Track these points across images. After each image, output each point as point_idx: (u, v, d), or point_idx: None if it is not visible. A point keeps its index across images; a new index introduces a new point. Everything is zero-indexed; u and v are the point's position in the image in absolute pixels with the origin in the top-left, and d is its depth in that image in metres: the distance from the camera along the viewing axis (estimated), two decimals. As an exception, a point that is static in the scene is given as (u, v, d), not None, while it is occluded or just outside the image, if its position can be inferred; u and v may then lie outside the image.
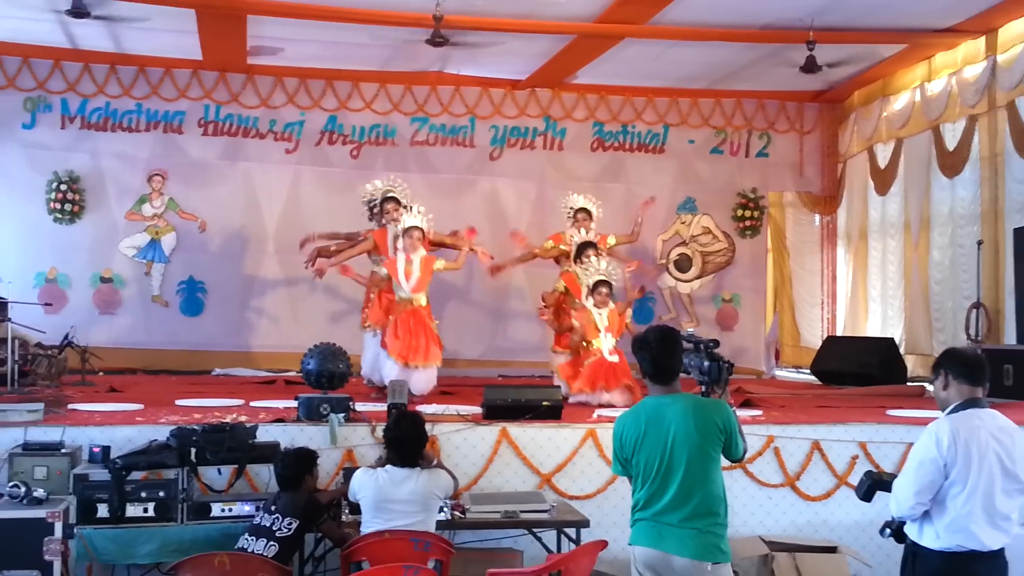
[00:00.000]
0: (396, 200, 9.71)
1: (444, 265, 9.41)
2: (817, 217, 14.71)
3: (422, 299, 9.12)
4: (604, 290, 9.44)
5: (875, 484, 4.59)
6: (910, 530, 4.42)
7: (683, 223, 13.97)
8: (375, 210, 9.94)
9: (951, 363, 4.41)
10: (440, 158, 13.35)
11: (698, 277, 13.99)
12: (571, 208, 10.45)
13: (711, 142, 13.95)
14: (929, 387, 10.57)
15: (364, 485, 5.64)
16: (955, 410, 4.36)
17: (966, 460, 4.25)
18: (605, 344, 9.29)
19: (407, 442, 5.77)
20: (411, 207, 9.62)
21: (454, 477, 5.98)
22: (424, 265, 9.14)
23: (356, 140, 13.24)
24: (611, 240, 10.45)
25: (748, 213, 14.01)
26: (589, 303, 9.46)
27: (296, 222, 12.98)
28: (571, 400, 8.86)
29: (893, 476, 4.54)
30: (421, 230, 9.15)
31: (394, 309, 9.14)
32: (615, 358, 9.25)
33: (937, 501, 4.30)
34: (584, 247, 9.95)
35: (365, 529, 5.58)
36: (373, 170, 12.25)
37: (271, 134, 13.06)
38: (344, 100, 13.15)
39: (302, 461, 6.04)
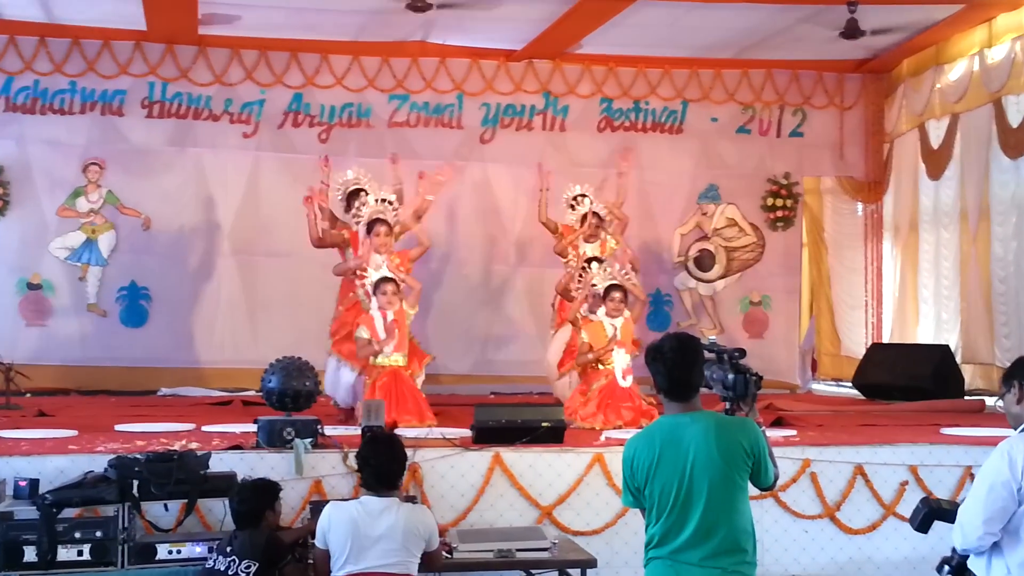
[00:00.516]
0: (363, 192, 9.88)
1: (410, 307, 9.31)
2: (860, 206, 14.72)
3: (400, 359, 9.09)
4: (617, 295, 9.45)
5: (932, 512, 4.57)
6: (976, 566, 4.40)
7: (705, 214, 13.98)
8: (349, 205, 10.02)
9: None
10: (423, 141, 13.35)
11: (722, 277, 14.00)
12: (570, 204, 10.58)
13: (737, 120, 13.97)
14: (990, 401, 10.59)
15: (336, 521, 5.62)
16: None
17: None
18: (619, 363, 9.28)
19: (384, 466, 5.75)
20: (374, 195, 9.77)
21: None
22: (399, 321, 9.13)
23: (325, 121, 13.25)
24: (611, 243, 10.50)
25: (780, 202, 14.03)
26: (600, 313, 9.46)
27: (256, 217, 13.05)
28: (575, 426, 8.86)
29: (953, 504, 4.53)
30: (394, 282, 9.11)
31: (370, 373, 9.10)
32: (628, 381, 9.25)
33: (1009, 531, 4.29)
34: (588, 262, 10.10)
35: (335, 573, 5.56)
36: (345, 156, 12.24)
37: (226, 115, 13.06)
38: (311, 75, 13.16)
39: (262, 494, 6.02)
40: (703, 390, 4.58)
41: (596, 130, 13.69)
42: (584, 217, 10.59)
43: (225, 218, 13.03)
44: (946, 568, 4.56)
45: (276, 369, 7.61)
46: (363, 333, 9.08)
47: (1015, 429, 4.41)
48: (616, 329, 9.38)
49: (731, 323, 13.91)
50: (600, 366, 9.31)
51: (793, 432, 8.49)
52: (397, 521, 5.62)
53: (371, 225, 9.41)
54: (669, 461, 4.42)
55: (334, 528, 5.62)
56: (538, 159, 13.20)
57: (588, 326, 9.48)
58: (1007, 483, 4.27)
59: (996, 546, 4.33)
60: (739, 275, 14.03)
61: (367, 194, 9.79)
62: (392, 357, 9.02)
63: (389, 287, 9.11)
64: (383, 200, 9.72)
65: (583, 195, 10.75)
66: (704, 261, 13.98)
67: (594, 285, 9.62)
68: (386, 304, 9.09)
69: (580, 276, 9.94)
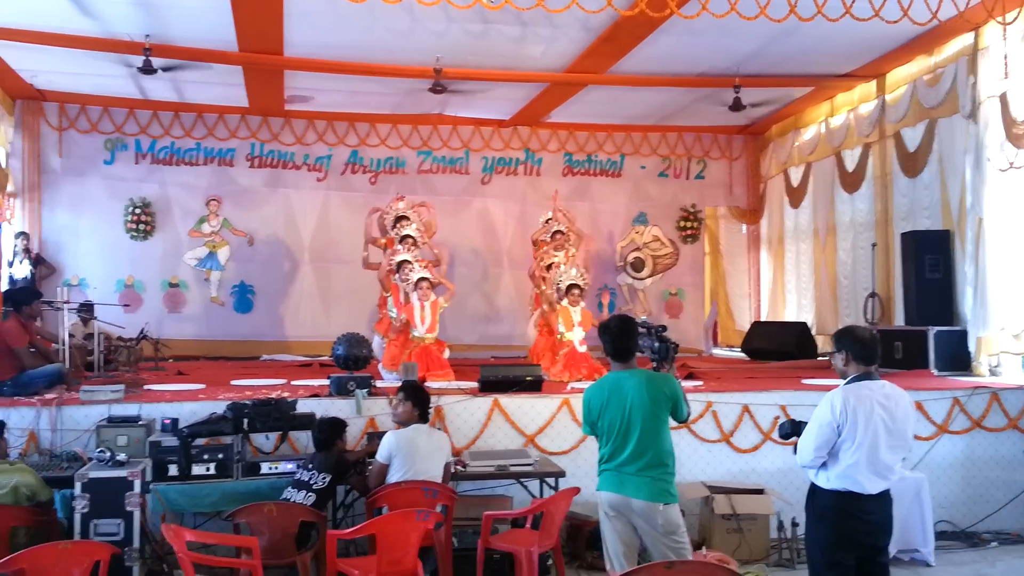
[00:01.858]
0: (406, 219, 10.00)
1: (444, 301, 9.27)
2: (744, 226, 14.73)
3: (432, 339, 9.03)
4: (576, 292, 9.48)
5: (793, 430, 4.56)
6: (810, 473, 4.42)
7: (637, 232, 13.98)
8: (392, 225, 10.10)
9: (849, 343, 4.34)
10: (441, 183, 13.33)
11: (650, 276, 14.00)
12: (546, 228, 10.56)
13: (659, 167, 13.96)
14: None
15: (401, 441, 5.62)
16: (850, 382, 4.33)
17: (854, 423, 4.23)
18: (577, 336, 9.32)
19: (420, 404, 5.82)
20: (409, 220, 9.88)
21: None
22: (434, 309, 9.11)
23: (373, 170, 13.20)
24: (571, 251, 10.49)
25: (689, 224, 14.03)
26: (565, 303, 9.48)
27: (326, 236, 13.00)
28: (548, 379, 8.87)
29: (803, 424, 4.50)
30: (428, 280, 9.10)
31: (408, 345, 9.09)
32: (584, 348, 9.29)
33: (831, 454, 4.30)
34: (552, 265, 10.05)
35: (391, 478, 5.57)
36: (387, 193, 12.26)
37: (305, 166, 13.01)
38: (363, 137, 13.11)
39: (334, 427, 6.03)
40: (638, 354, 4.61)
41: (561, 175, 13.65)
42: (554, 234, 10.59)
43: (305, 237, 12.97)
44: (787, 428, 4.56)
45: (342, 341, 7.63)
46: (401, 317, 9.09)
47: (842, 381, 4.40)
48: (576, 313, 9.41)
49: (656, 308, 13.90)
50: (565, 339, 9.33)
51: (700, 383, 8.50)
52: (431, 440, 5.68)
53: (417, 281, 9.17)
54: (615, 403, 4.45)
55: (400, 449, 5.62)
56: (521, 195, 13.29)
57: (561, 310, 9.50)
58: (830, 423, 4.25)
59: (824, 463, 4.35)
60: (661, 275, 14.02)
61: (409, 222, 9.90)
62: (426, 337, 9.02)
63: (424, 283, 9.11)
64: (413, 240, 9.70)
65: (552, 219, 10.76)
66: (637, 265, 13.97)
67: (558, 284, 9.63)
68: (422, 296, 9.10)
69: (545, 273, 9.93)
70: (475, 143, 13.40)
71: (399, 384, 6.17)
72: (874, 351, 4.34)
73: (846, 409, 4.24)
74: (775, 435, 7.30)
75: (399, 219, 10.09)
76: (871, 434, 4.23)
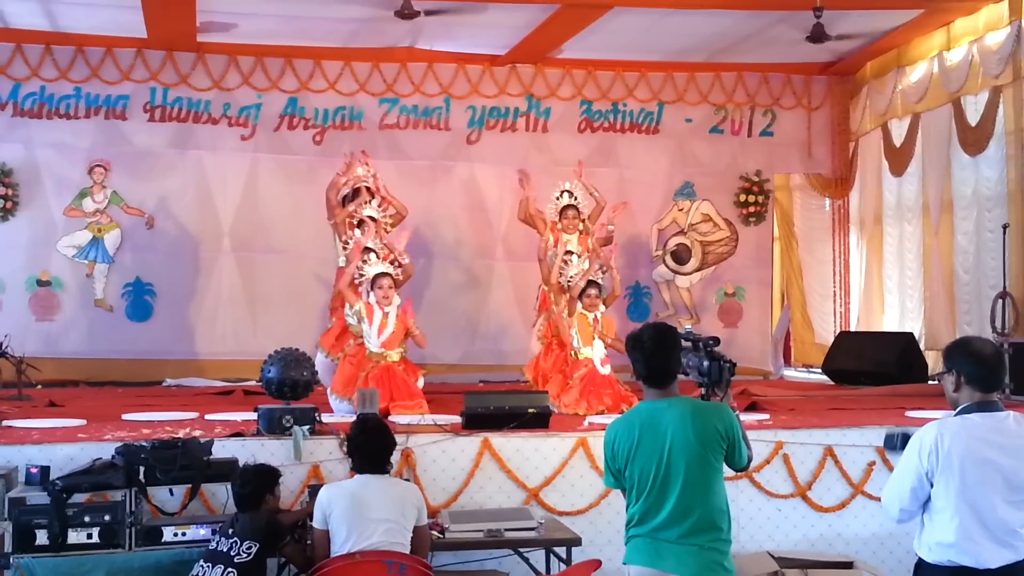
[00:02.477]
0: (368, 190, 10.15)
1: (417, 334, 9.26)
2: (828, 201, 14.75)
3: (396, 356, 9.08)
4: (593, 291, 9.48)
5: (906, 438, 4.48)
6: (914, 540, 4.41)
7: (680, 210, 13.99)
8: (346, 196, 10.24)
9: (962, 360, 4.30)
10: (412, 142, 13.35)
11: (698, 269, 14.02)
12: (558, 202, 10.52)
13: (710, 120, 13.98)
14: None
15: (336, 500, 5.64)
16: (959, 413, 4.29)
17: (948, 468, 4.18)
18: (597, 353, 9.32)
19: (375, 446, 5.79)
20: (370, 198, 10.01)
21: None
22: (400, 320, 9.13)
23: (319, 124, 13.21)
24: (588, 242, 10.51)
25: (752, 198, 14.05)
26: (579, 306, 9.48)
27: (254, 215, 13.01)
28: (558, 412, 8.87)
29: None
30: (390, 277, 9.15)
31: (364, 364, 9.11)
32: (607, 369, 9.30)
33: (928, 511, 4.28)
34: (567, 254, 10.09)
35: (337, 550, 5.57)
36: (338, 156, 12.20)
37: (224, 119, 13.02)
38: (305, 80, 13.12)
39: (262, 478, 6.02)
40: (680, 377, 4.60)
41: (577, 131, 13.68)
42: (562, 211, 10.58)
43: (225, 217, 12.98)
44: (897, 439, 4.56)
45: (275, 360, 7.60)
46: (352, 318, 9.12)
47: (953, 411, 4.33)
48: (594, 321, 9.43)
49: (707, 313, 13.93)
50: (580, 356, 9.35)
51: (766, 416, 8.51)
52: (393, 495, 5.68)
53: (376, 279, 9.24)
54: (648, 444, 4.44)
55: (335, 507, 5.63)
56: (522, 159, 13.27)
57: (578, 317, 9.51)
58: (916, 469, 4.23)
59: (921, 522, 4.31)
60: (714, 268, 14.04)
61: (370, 198, 10.07)
62: (387, 353, 9.02)
63: (385, 282, 9.12)
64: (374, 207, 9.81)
65: (567, 191, 10.72)
66: (681, 254, 13.99)
67: (570, 281, 9.64)
68: (382, 299, 9.09)
69: (562, 266, 9.95)
70: (458, 87, 13.42)
71: (353, 417, 6.13)
72: (996, 372, 4.31)
73: (937, 450, 4.20)
74: (873, 493, 7.31)
75: (357, 190, 10.20)
76: (979, 485, 4.18)
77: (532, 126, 13.65)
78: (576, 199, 10.54)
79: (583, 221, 10.57)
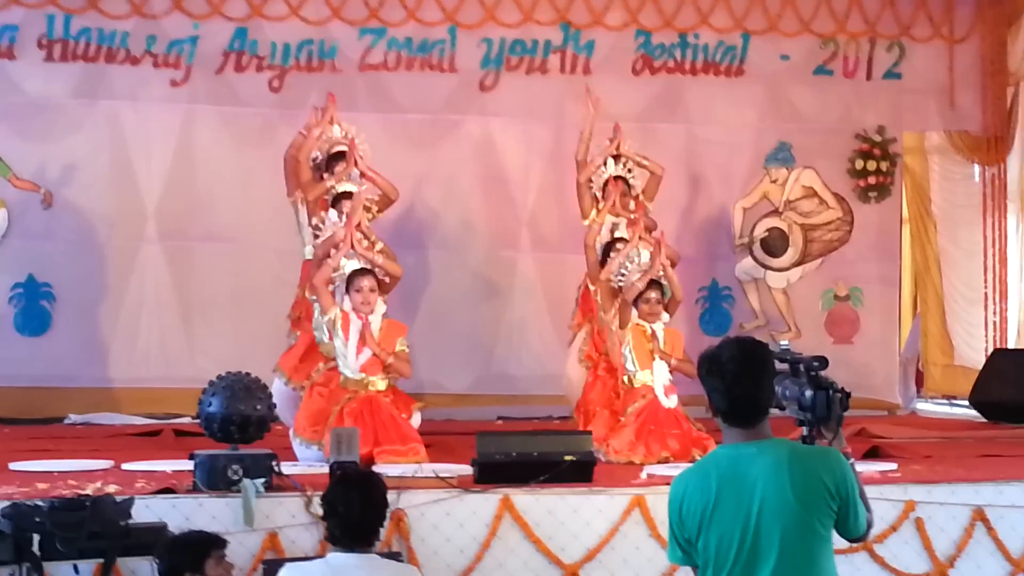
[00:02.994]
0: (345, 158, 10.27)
1: (391, 361, 9.26)
2: (978, 169, 14.67)
3: (381, 383, 9.15)
4: (653, 296, 9.49)
5: None
6: None
7: (774, 182, 13.97)
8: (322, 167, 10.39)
9: None
10: (404, 89, 13.36)
11: (799, 263, 13.99)
12: (601, 173, 10.55)
13: (815, 58, 13.96)
14: None
15: None
16: None
17: None
18: (659, 378, 9.33)
19: (357, 515, 5.77)
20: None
21: None
22: (388, 332, 9.17)
23: (277, 64, 13.22)
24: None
25: (873, 165, 14.01)
26: (633, 317, 9.48)
27: (190, 191, 13.03)
28: (605, 460, 8.90)
29: None
30: (372, 276, 9.20)
31: (338, 395, 9.15)
32: (673, 401, 9.31)
33: None
34: (613, 244, 10.15)
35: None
36: (304, 109, 12.23)
37: (149, 57, 13.03)
38: (258, 4, 13.16)
39: (198, 550, 6.01)
40: (773, 411, 4.59)
41: (631, 72, 13.68)
42: (606, 184, 10.57)
43: (149, 192, 12.99)
44: None
45: (218, 389, 7.63)
46: (322, 333, 9.15)
47: None
48: (653, 336, 9.44)
49: (810, 324, 13.91)
50: (634, 383, 9.35)
51: (893, 466, 8.50)
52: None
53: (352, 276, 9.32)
54: (729, 504, 4.43)
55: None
56: (555, 111, 13.27)
57: (629, 332, 9.52)
58: None
59: None
60: (820, 261, 14.02)
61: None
62: (366, 379, 9.04)
63: (367, 281, 9.14)
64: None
65: (615, 156, 10.71)
66: (774, 243, 13.97)
67: (619, 281, 9.65)
68: (361, 305, 9.11)
69: (626, 263, 9.95)
70: (468, 14, 13.42)
71: (326, 467, 6.10)
72: None
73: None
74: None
75: (333, 156, 10.30)
76: None
77: (570, 66, 13.64)
78: (629, 168, 10.54)
79: (635, 199, 10.58)
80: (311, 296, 9.71)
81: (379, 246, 9.66)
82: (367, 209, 9.90)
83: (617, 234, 10.24)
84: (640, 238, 10.04)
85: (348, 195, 9.96)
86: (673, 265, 9.99)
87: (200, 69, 13.13)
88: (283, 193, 10.66)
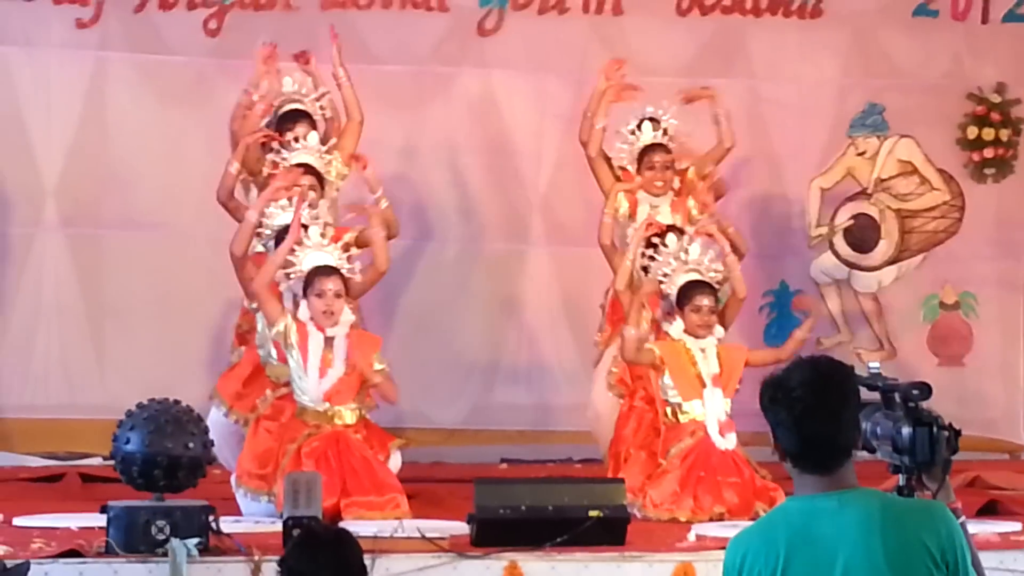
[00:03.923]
0: (305, 117, 10.49)
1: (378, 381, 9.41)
2: None
3: (351, 415, 9.22)
4: (705, 302, 9.53)
5: None
6: None
7: (861, 154, 14.00)
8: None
9: None
10: (381, 33, 13.42)
11: (893, 261, 14.02)
12: (630, 143, 10.61)
13: (914, -5, 14.02)
14: None
15: None
16: None
17: None
18: (712, 410, 9.37)
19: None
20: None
21: None
22: (359, 348, 9.24)
23: (215, 0, 13.29)
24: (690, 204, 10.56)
25: (990, 133, 14.02)
26: (676, 329, 9.52)
27: (100, 163, 13.08)
28: (642, 516, 8.97)
29: None
30: (338, 276, 9.28)
31: (293, 430, 9.20)
32: (730, 441, 9.35)
33: None
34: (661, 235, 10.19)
35: None
36: (250, 59, 12.27)
37: (49, -10, 13.15)
38: (189, -81, 13.25)
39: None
40: (860, 453, 4.63)
41: (675, 13, 13.72)
42: (642, 154, 10.60)
43: (48, 165, 13.05)
44: None
45: (138, 421, 7.68)
46: (269, 350, 9.19)
47: None
48: (705, 355, 9.47)
49: (909, 340, 13.95)
50: (680, 417, 9.39)
51: (1017, 526, 8.52)
52: None
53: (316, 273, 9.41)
54: (802, 572, 4.48)
55: None
56: (577, 62, 13.32)
57: (664, 346, 9.53)
58: None
59: None
60: (921, 258, 14.04)
61: (305, 124, 10.32)
62: (332, 411, 9.08)
63: (331, 284, 9.18)
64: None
65: (652, 118, 10.75)
66: (862, 234, 13.99)
67: (661, 282, 9.68)
68: (323, 315, 9.15)
69: (650, 257, 10.00)
70: (463, -64, 13.50)
71: (279, 524, 6.09)
72: None
73: None
74: None
75: (284, 117, 10.42)
76: None
77: (595, 5, 13.68)
78: (667, 134, 10.58)
79: (679, 173, 10.62)
80: (251, 304, 9.77)
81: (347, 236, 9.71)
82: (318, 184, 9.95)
83: (664, 219, 10.30)
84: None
85: (306, 168, 10.01)
86: (740, 257, 10.08)
87: (114, 5, 13.13)
88: (221, 167, 10.69)
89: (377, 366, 9.30)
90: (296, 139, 10.19)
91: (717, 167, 10.90)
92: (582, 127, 11.00)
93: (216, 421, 9.61)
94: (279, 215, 9.40)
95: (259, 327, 9.59)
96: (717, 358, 9.53)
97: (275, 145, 10.20)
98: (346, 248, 9.59)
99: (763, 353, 9.82)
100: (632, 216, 10.48)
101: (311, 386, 9.10)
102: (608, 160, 10.83)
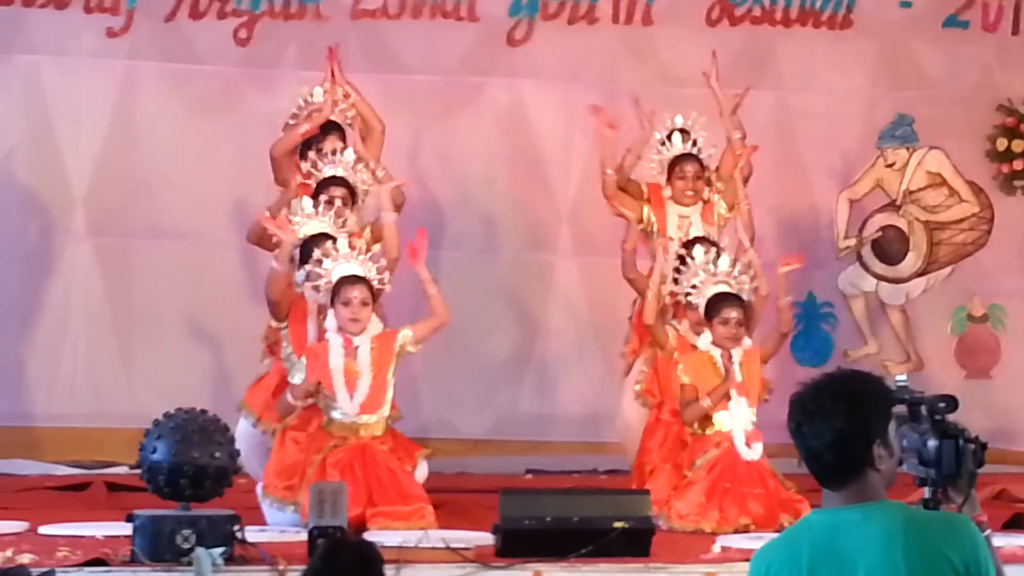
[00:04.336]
0: (335, 128, 10.46)
1: (413, 343, 9.45)
2: None
3: (377, 426, 9.23)
4: (733, 314, 9.52)
5: None
6: None
7: (890, 166, 13.97)
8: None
9: None
10: (410, 43, 13.43)
11: (922, 273, 13.98)
12: (663, 152, 10.60)
13: (946, 5, 13.95)
14: None
15: None
16: None
17: None
18: (738, 420, 9.36)
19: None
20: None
21: None
22: (382, 354, 9.22)
23: (245, 9, 13.29)
24: (721, 208, 10.55)
25: (1020, 145, 13.99)
26: (704, 340, 9.50)
27: (130, 173, 13.10)
28: (667, 527, 8.97)
29: None
30: (366, 285, 9.29)
31: (319, 441, 9.21)
32: (757, 450, 9.34)
33: None
34: (688, 245, 10.17)
35: None
36: (280, 68, 12.33)
37: (79, 0, 13.15)
38: (221, -71, 13.26)
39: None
40: (883, 468, 4.60)
41: (705, 23, 13.71)
42: (672, 164, 10.59)
43: (78, 174, 13.06)
44: None
45: (165, 431, 7.68)
46: (298, 376, 9.16)
47: None
48: (732, 365, 9.46)
49: (936, 352, 13.90)
50: (706, 429, 9.37)
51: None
52: None
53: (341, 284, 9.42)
54: (827, 587, 4.46)
55: None
56: (607, 73, 13.33)
57: (688, 359, 9.52)
58: None
59: None
60: (950, 270, 14.00)
61: (339, 139, 10.36)
62: (359, 420, 9.08)
63: (357, 292, 9.18)
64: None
65: (682, 130, 10.75)
66: (890, 246, 13.96)
67: (689, 294, 9.67)
68: (350, 322, 9.14)
69: (675, 270, 9.99)
70: (493, -52, 13.51)
71: (304, 534, 6.08)
72: None
73: None
74: None
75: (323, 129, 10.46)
76: None
77: (625, 14, 13.67)
78: (698, 145, 10.58)
79: (710, 182, 10.62)
80: (280, 323, 9.78)
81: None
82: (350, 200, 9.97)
83: (694, 233, 10.28)
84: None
85: (337, 180, 10.01)
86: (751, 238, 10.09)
87: (144, 15, 13.17)
88: (250, 177, 10.71)
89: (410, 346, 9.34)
90: (333, 151, 10.20)
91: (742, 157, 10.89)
92: (604, 158, 11.03)
93: (245, 432, 9.64)
94: (306, 224, 9.40)
95: (283, 346, 9.60)
96: (740, 367, 9.49)
97: (310, 155, 10.23)
98: (373, 257, 9.58)
99: (769, 343, 9.79)
100: (662, 230, 10.46)
101: (343, 404, 9.10)
102: (626, 189, 10.82)
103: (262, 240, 10.31)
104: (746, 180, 10.91)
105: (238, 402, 10.26)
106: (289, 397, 9.30)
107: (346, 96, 10.63)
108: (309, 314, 9.59)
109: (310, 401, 9.23)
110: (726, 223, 10.41)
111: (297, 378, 9.28)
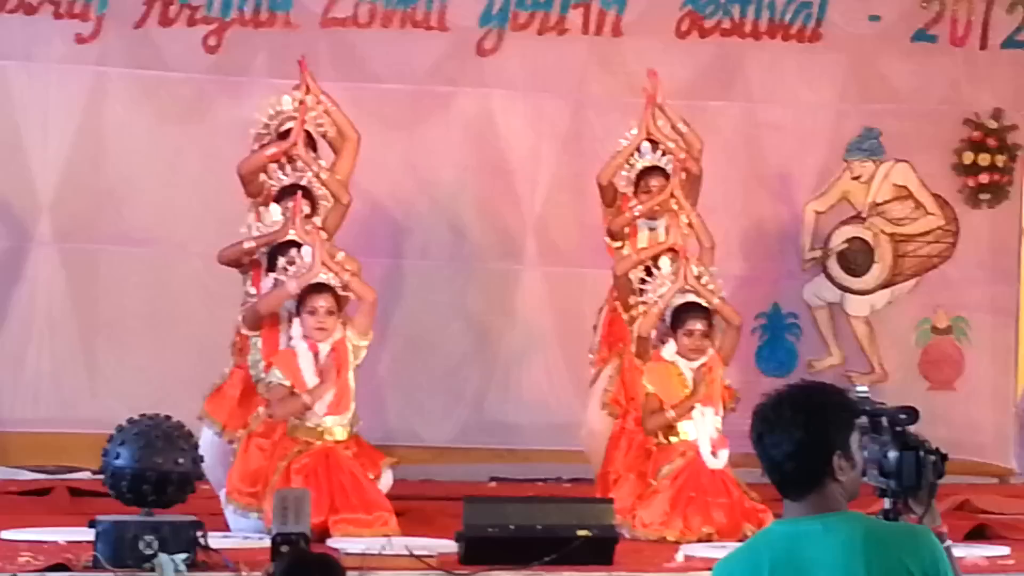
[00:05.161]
0: (308, 140, 10.52)
1: (359, 336, 9.46)
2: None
3: (342, 432, 9.22)
4: (698, 326, 9.51)
5: None
6: None
7: (856, 178, 13.98)
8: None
9: None
10: (381, 53, 13.42)
11: (887, 285, 14.00)
12: (634, 163, 10.62)
13: (913, 19, 13.96)
14: None
15: None
16: None
17: None
18: (703, 429, 9.35)
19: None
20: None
21: None
22: (340, 358, 9.25)
23: (215, 16, 13.25)
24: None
25: (986, 159, 14.00)
26: (668, 350, 9.50)
27: (96, 177, 13.05)
28: (631, 536, 8.97)
29: None
30: (332, 293, 9.30)
31: (284, 447, 9.19)
32: (721, 460, 9.33)
33: None
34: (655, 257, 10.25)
35: None
36: (249, 76, 12.31)
37: (48, 5, 13.06)
38: (189, -64, 13.23)
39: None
40: (844, 479, 4.60)
41: (675, 34, 13.71)
42: (639, 178, 10.60)
43: (44, 180, 13.03)
44: None
45: (128, 436, 7.65)
46: (277, 377, 9.15)
47: None
48: (696, 376, 9.46)
49: (900, 364, 13.92)
50: (671, 438, 9.36)
51: (1004, 550, 8.50)
52: None
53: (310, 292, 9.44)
54: (787, 598, 4.45)
55: None
56: (575, 83, 13.33)
57: (653, 368, 9.51)
58: None
59: None
60: (915, 282, 14.02)
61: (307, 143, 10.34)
62: (324, 423, 9.06)
63: (323, 301, 9.17)
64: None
65: (651, 139, 10.78)
66: (856, 258, 13.97)
67: (656, 302, 9.68)
68: (316, 331, 9.14)
69: (643, 281, 9.99)
70: (463, -45, 13.50)
71: (267, 540, 6.06)
72: None
73: None
74: None
75: (283, 136, 10.48)
76: None
77: (594, 25, 13.66)
78: (663, 157, 10.60)
79: (673, 193, 10.64)
80: (249, 331, 9.76)
81: (339, 256, 9.71)
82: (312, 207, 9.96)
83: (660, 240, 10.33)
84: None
85: (298, 188, 10.01)
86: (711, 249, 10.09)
87: (114, 21, 13.12)
88: (216, 184, 10.68)
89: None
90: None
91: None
92: (607, 168, 10.99)
93: (207, 439, 9.60)
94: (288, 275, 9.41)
95: (251, 352, 9.58)
96: (706, 380, 9.50)
97: (274, 165, 10.22)
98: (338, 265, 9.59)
99: (726, 341, 9.80)
100: (632, 243, 10.49)
101: (315, 406, 9.11)
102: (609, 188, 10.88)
103: (237, 262, 10.28)
104: (698, 179, 10.88)
105: (200, 410, 10.23)
106: (272, 413, 9.32)
107: (319, 104, 10.61)
108: (281, 322, 9.59)
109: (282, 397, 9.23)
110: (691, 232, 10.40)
111: (275, 378, 9.26)
